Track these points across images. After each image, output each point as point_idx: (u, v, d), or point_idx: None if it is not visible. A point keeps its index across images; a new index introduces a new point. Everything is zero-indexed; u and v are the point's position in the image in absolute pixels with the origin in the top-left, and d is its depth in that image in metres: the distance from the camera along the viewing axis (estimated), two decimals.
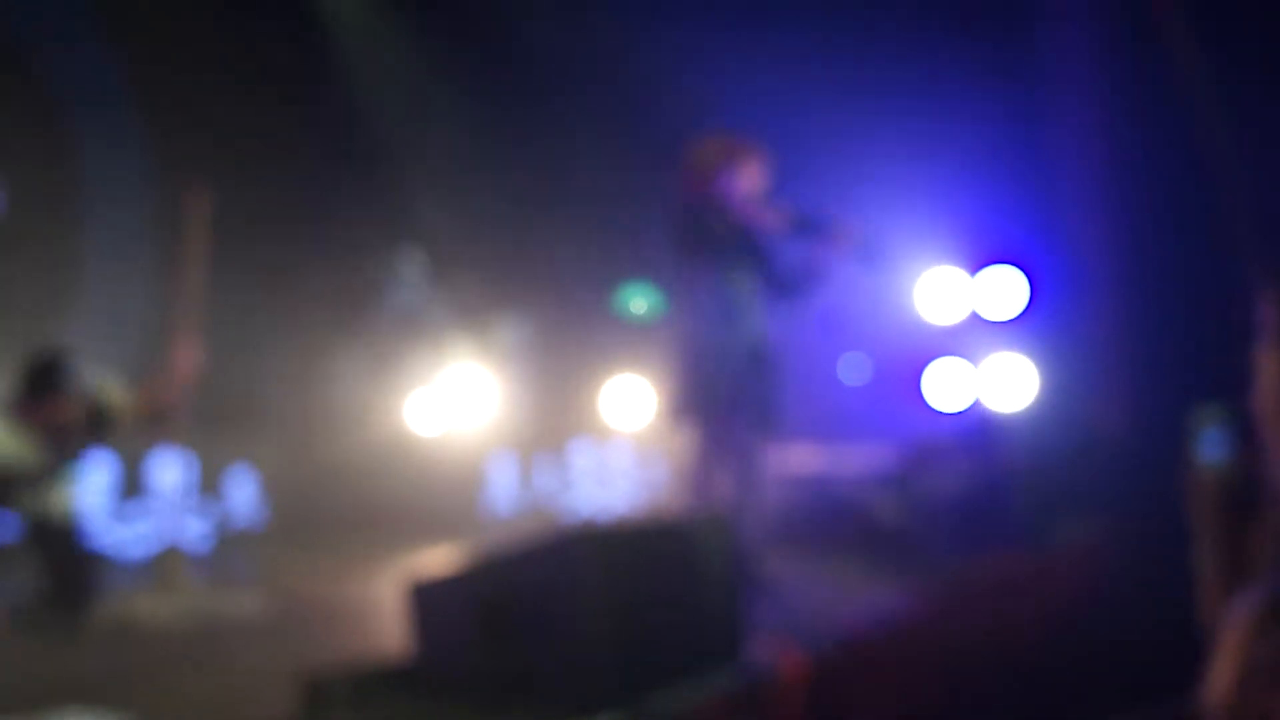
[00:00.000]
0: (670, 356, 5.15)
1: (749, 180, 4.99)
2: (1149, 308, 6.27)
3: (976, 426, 6.78)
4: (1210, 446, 2.05)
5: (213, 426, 7.15)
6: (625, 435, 7.96)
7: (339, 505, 7.34)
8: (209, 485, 7.27)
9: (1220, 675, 1.39)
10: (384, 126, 7.70)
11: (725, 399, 4.94)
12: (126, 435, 5.76)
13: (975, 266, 6.79)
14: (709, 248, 4.93)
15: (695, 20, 7.05)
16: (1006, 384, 6.75)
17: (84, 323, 6.69)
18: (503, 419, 7.91)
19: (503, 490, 8.11)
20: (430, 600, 3.74)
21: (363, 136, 7.65)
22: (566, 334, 7.98)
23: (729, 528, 4.16)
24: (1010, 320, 6.74)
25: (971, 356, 6.87)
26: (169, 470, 7.10)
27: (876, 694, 4.41)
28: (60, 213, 6.54)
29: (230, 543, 7.25)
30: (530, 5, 7.55)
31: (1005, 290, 6.70)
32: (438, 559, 3.93)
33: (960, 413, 6.91)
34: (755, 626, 4.06)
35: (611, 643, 3.52)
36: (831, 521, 6.56)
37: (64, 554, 5.02)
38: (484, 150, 7.65)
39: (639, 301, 7.62)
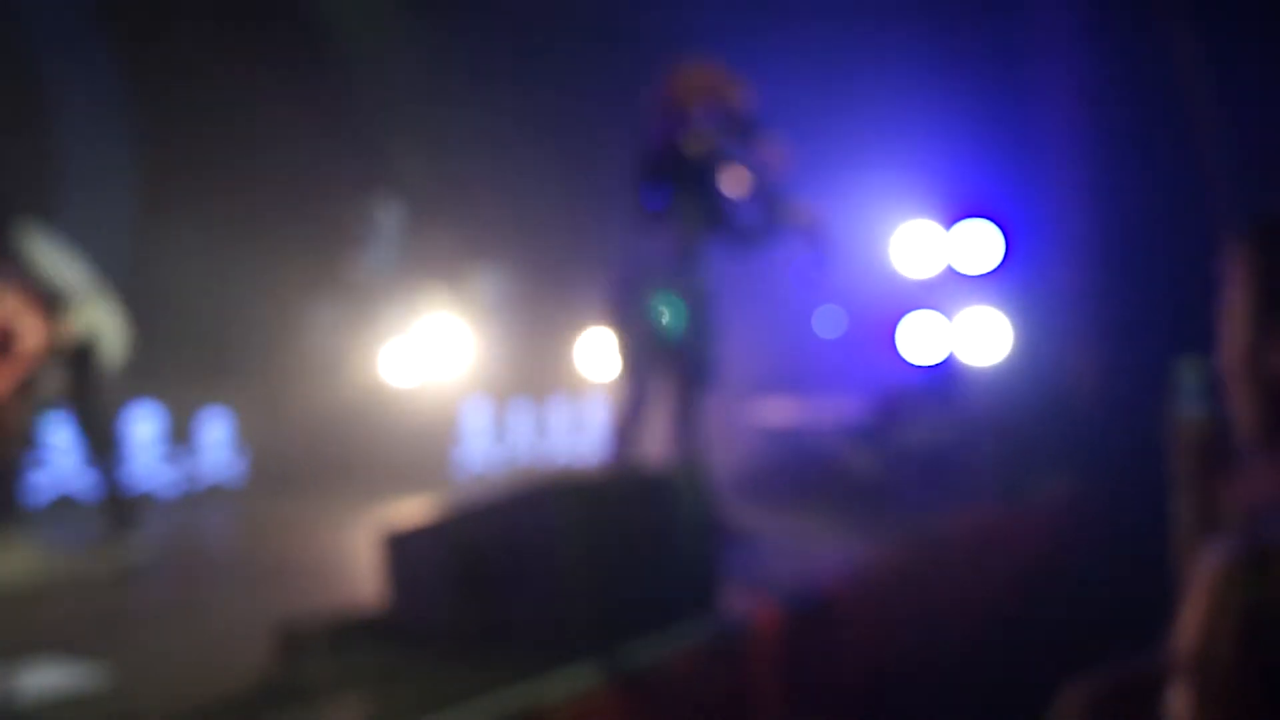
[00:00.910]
0: (605, 298, 5.05)
1: (726, 110, 4.84)
2: (1124, 262, 6.29)
3: (944, 377, 6.80)
4: (1190, 399, 2.06)
5: (187, 375, 7.13)
6: (600, 387, 7.96)
7: (314, 455, 7.32)
8: (181, 435, 7.24)
9: (1188, 626, 1.40)
10: (361, 76, 7.62)
11: (654, 348, 4.87)
12: None
13: (950, 220, 6.79)
14: (672, 185, 4.83)
15: None
16: (981, 338, 6.77)
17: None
18: (478, 370, 7.90)
19: (478, 442, 8.11)
20: (406, 551, 3.74)
21: (340, 86, 7.57)
22: (543, 286, 7.95)
23: (703, 479, 4.16)
24: (985, 274, 6.75)
25: (946, 310, 6.88)
26: (142, 420, 7.07)
27: (849, 645, 4.45)
28: (33, 153, 6.48)
29: (204, 492, 7.23)
30: None
31: (980, 244, 6.71)
32: (413, 510, 3.92)
33: (928, 365, 6.93)
34: (729, 578, 4.07)
35: (586, 594, 3.53)
36: (805, 474, 6.58)
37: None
38: (462, 100, 7.58)
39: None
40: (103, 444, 4.92)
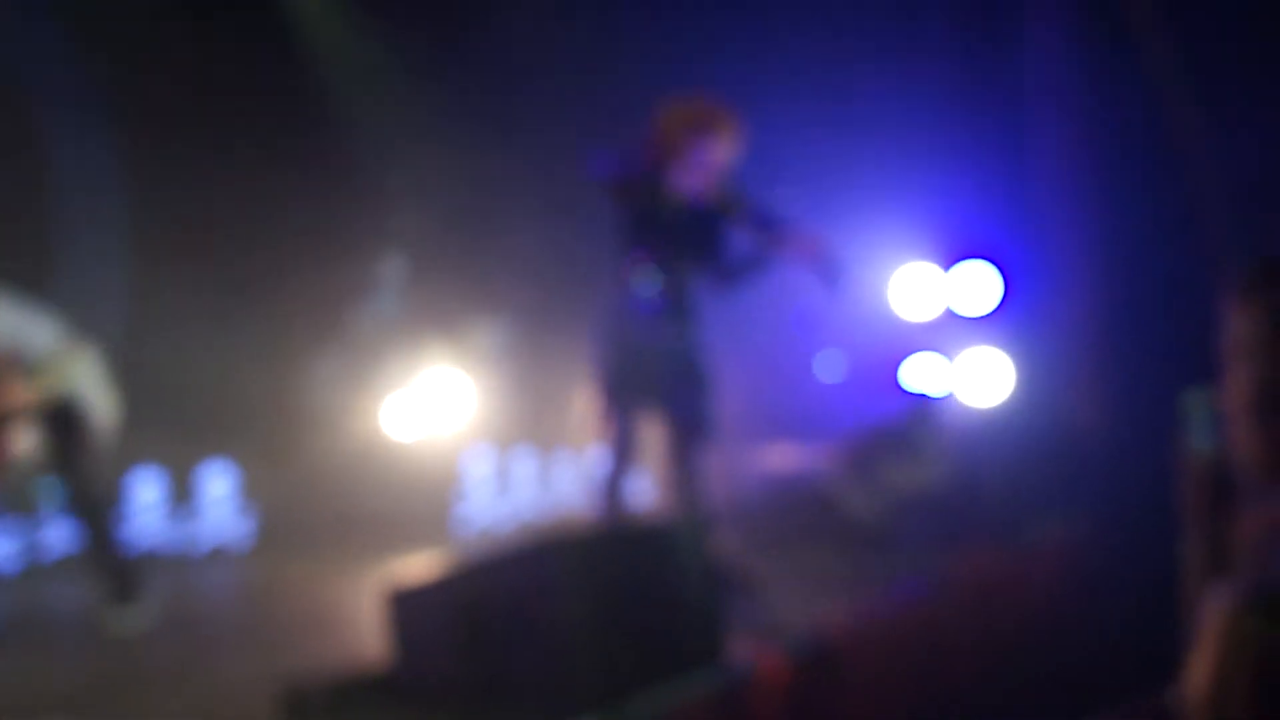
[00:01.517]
0: (593, 349, 4.92)
1: (718, 151, 4.67)
2: (1125, 299, 6.29)
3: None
4: (1199, 432, 2.05)
5: (189, 432, 7.14)
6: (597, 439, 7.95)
7: (319, 510, 7.31)
8: (182, 494, 7.24)
9: (1200, 669, 1.38)
10: (363, 130, 7.68)
11: (640, 403, 4.80)
12: None
13: (949, 262, 6.80)
14: (654, 233, 4.71)
15: (670, 9, 7.03)
16: (982, 379, 6.77)
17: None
18: (480, 422, 7.89)
19: (481, 494, 8.09)
20: (409, 607, 3.73)
21: (339, 141, 7.62)
22: (546, 336, 7.95)
23: (704, 529, 4.15)
24: (985, 316, 6.75)
25: (947, 352, 6.87)
26: (144, 484, 7.08)
27: (856, 693, 4.41)
28: (33, 216, 6.52)
29: (208, 552, 7.23)
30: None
31: (979, 285, 6.71)
32: (417, 566, 3.91)
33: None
34: (735, 627, 4.05)
35: (591, 647, 3.52)
36: (807, 520, 6.56)
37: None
38: (461, 152, 7.63)
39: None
40: (94, 509, 4.77)
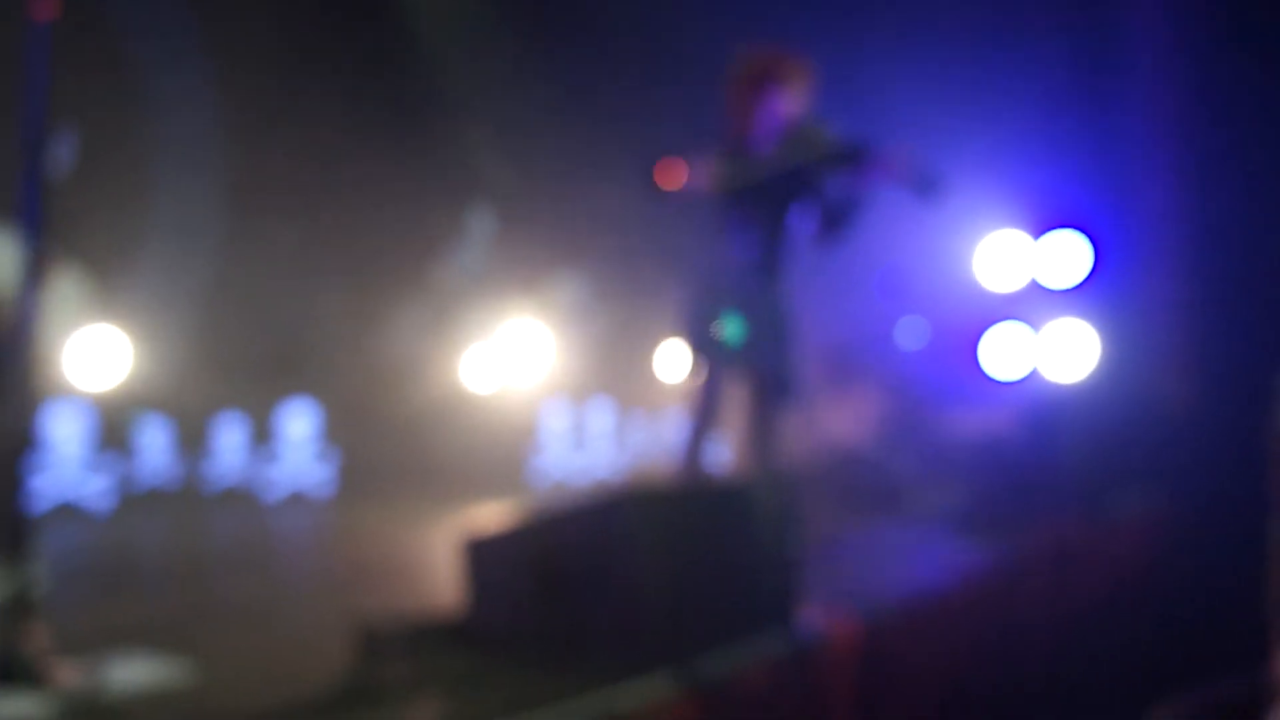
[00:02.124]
0: (681, 310, 4.97)
1: (784, 101, 4.70)
2: (1219, 274, 6.16)
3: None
4: None
5: (273, 372, 7.27)
6: (678, 395, 7.96)
7: (398, 458, 7.42)
8: (263, 435, 7.37)
9: None
10: (451, 84, 7.72)
11: (727, 361, 4.80)
12: None
13: (1038, 231, 6.68)
14: (743, 195, 4.74)
15: None
16: (1067, 352, 6.65)
17: (146, 281, 6.79)
18: (559, 376, 7.94)
19: (557, 447, 8.15)
20: (484, 557, 3.77)
21: (429, 95, 7.67)
22: (626, 293, 7.97)
23: (784, 491, 4.13)
24: (1072, 288, 6.63)
25: (1032, 322, 6.77)
26: (230, 420, 7.22)
27: (929, 661, 4.39)
28: (130, 166, 6.62)
29: (288, 495, 7.37)
30: None
31: (1068, 256, 6.59)
32: (492, 515, 3.95)
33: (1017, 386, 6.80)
34: (808, 590, 4.04)
35: (662, 603, 3.53)
36: (877, 486, 6.54)
37: None
38: (549, 111, 7.64)
39: None
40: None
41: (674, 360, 7.92)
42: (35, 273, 3.44)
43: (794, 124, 4.72)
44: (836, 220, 4.76)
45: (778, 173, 4.75)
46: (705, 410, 4.88)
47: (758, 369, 4.79)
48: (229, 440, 7.21)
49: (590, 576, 3.56)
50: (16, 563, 3.70)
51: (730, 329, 4.74)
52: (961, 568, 5.10)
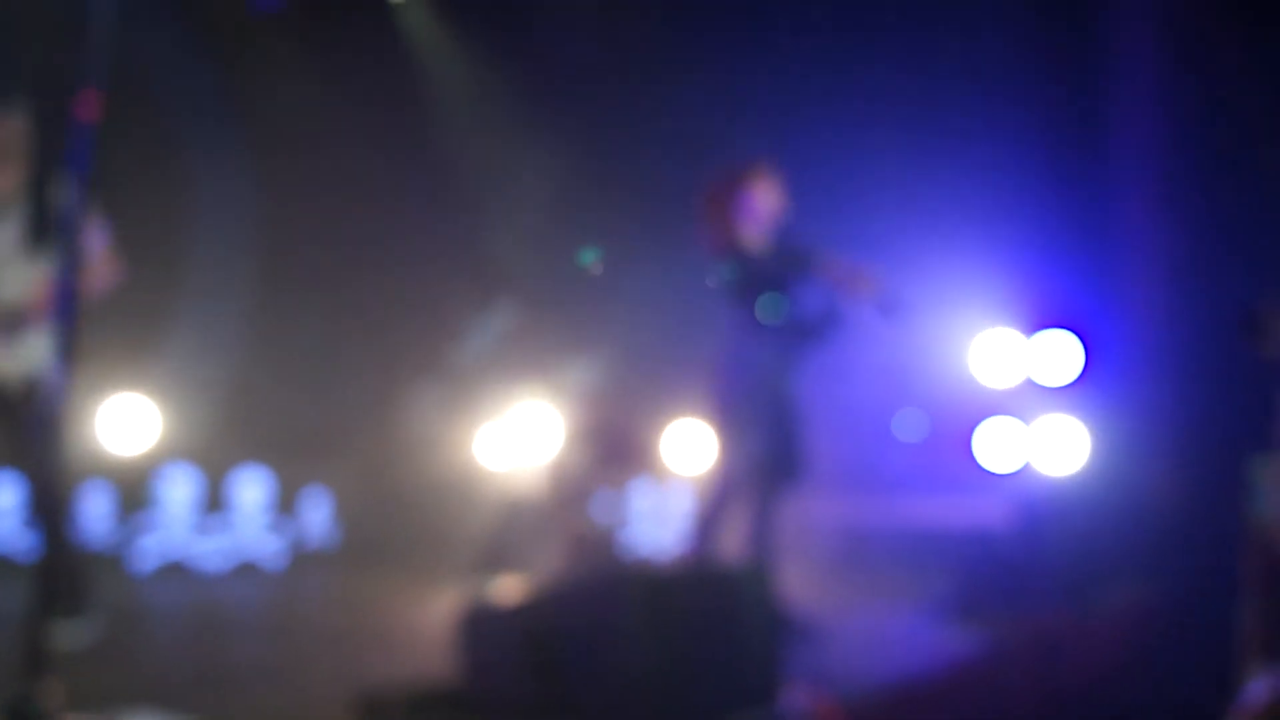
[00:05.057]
0: (718, 401, 5.19)
1: (760, 203, 5.04)
2: (1204, 372, 6.28)
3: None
4: (1262, 499, 2.12)
5: (293, 448, 7.51)
6: (685, 478, 8.13)
7: (406, 528, 7.61)
8: (286, 505, 7.60)
9: None
10: (470, 175, 8.02)
11: (753, 449, 4.99)
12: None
13: (1031, 329, 6.85)
14: (748, 297, 5.01)
15: (769, 70, 7.22)
16: (1059, 447, 6.80)
17: (172, 360, 7.06)
18: (565, 454, 8.11)
19: None
20: (483, 629, 3.94)
21: (449, 184, 7.98)
22: (633, 377, 8.18)
23: (769, 577, 4.31)
24: (1065, 386, 6.77)
25: (1024, 417, 6.92)
26: (249, 488, 7.44)
27: None
28: (165, 243, 6.90)
29: (304, 561, 7.56)
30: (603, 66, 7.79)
31: (1061, 355, 6.75)
32: (493, 589, 4.13)
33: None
34: (794, 672, 4.19)
35: (652, 681, 3.68)
36: (882, 573, 6.66)
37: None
38: (566, 207, 7.93)
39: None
40: (53, 506, 4.05)
41: (683, 441, 8.11)
42: (69, 349, 3.80)
43: (776, 222, 5.01)
44: (813, 331, 5.01)
45: (771, 269, 5.01)
46: (723, 495, 5.08)
47: (769, 452, 4.99)
48: (250, 501, 7.44)
49: (583, 654, 3.72)
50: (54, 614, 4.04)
51: (770, 418, 4.96)
52: (946, 654, 5.22)
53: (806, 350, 5.11)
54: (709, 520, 5.13)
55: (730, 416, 5.08)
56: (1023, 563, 6.16)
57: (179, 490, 7.21)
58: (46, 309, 4.04)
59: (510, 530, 7.12)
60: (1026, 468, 6.85)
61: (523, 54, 7.98)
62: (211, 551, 7.25)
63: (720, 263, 5.06)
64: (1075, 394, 6.74)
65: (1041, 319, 6.78)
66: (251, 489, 7.46)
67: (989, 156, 6.80)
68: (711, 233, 5.13)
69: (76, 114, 3.43)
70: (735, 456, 5.05)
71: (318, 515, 7.72)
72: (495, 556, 6.81)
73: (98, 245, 4.20)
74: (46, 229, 3.95)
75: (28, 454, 4.09)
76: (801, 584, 5.29)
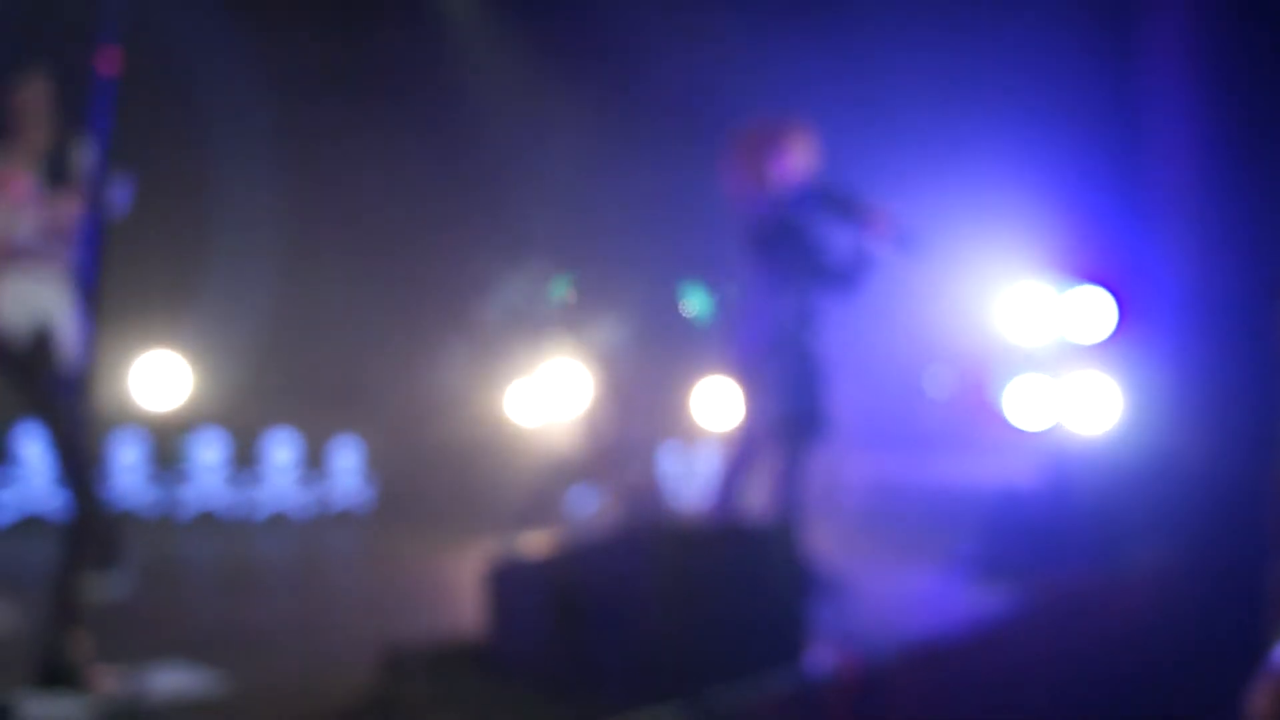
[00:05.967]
0: (739, 358, 5.16)
1: (795, 159, 4.97)
2: (1238, 327, 6.21)
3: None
4: None
5: (323, 404, 7.55)
6: (714, 436, 8.13)
7: (436, 485, 7.65)
8: (315, 460, 7.65)
9: (1260, 703, 1.46)
10: (502, 136, 8.00)
11: (777, 405, 4.97)
12: None
13: (1064, 284, 6.76)
14: (773, 252, 4.99)
15: (790, 26, 7.16)
16: (1090, 405, 6.74)
17: (203, 318, 7.10)
18: (592, 411, 8.13)
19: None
20: (507, 585, 3.96)
21: (480, 145, 7.97)
22: (664, 336, 8.17)
23: (796, 534, 4.30)
24: (1097, 344, 6.70)
25: (1055, 374, 6.85)
26: (280, 447, 7.50)
27: (932, 706, 4.50)
28: (187, 208, 6.92)
29: (335, 518, 7.62)
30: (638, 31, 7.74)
31: (1093, 311, 6.67)
32: (520, 544, 4.14)
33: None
34: (820, 629, 4.19)
35: (675, 638, 3.69)
36: (909, 531, 6.64)
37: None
38: (595, 163, 7.90)
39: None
40: (79, 462, 3.94)
41: (714, 400, 8.10)
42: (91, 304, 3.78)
43: (806, 179, 4.96)
44: (849, 275, 4.96)
45: (800, 224, 4.97)
46: (746, 452, 5.06)
47: (794, 413, 4.97)
48: (279, 460, 7.50)
49: (607, 609, 3.73)
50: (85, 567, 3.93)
51: (790, 377, 4.95)
52: (972, 614, 5.21)
53: (837, 299, 5.06)
54: (732, 478, 5.11)
55: (754, 372, 5.05)
56: (1051, 522, 6.13)
57: (210, 450, 7.27)
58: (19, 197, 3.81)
59: (554, 485, 7.14)
60: (1057, 426, 6.79)
61: (554, 12, 7.93)
62: (243, 503, 7.31)
63: (747, 212, 5.02)
64: (1108, 351, 6.66)
65: (1076, 275, 6.71)
66: (282, 448, 7.51)
67: (1027, 111, 6.71)
68: (741, 181, 5.08)
69: (98, 70, 3.45)
70: (759, 412, 5.02)
71: (349, 472, 7.77)
72: (537, 512, 6.83)
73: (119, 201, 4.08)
74: (65, 181, 3.93)
75: (45, 407, 3.97)
76: (828, 541, 5.27)
